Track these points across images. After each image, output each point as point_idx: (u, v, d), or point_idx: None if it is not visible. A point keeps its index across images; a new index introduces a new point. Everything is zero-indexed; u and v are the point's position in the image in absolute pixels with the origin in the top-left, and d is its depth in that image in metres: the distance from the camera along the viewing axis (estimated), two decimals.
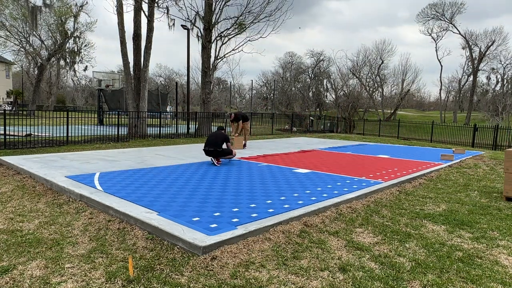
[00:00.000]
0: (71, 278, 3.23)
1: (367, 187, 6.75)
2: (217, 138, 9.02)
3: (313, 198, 5.71)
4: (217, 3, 18.76)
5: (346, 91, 49.44)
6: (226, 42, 20.03)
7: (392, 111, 54.33)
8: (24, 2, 29.55)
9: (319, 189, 6.42)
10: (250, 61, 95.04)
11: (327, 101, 54.89)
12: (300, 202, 5.46)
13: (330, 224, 4.79)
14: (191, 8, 27.87)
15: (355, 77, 50.99)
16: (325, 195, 5.97)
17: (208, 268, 3.41)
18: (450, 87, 64.35)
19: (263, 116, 26.07)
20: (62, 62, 39.78)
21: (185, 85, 49.83)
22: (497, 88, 55.84)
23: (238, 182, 6.81)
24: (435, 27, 56.17)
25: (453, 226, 4.94)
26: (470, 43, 52.44)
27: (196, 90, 55.80)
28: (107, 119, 22.93)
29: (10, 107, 36.28)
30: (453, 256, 3.90)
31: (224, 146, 9.15)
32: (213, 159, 8.93)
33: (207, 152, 9.00)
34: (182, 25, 20.32)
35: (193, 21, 19.29)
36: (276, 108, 52.30)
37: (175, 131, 17.80)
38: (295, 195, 5.91)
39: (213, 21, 18.80)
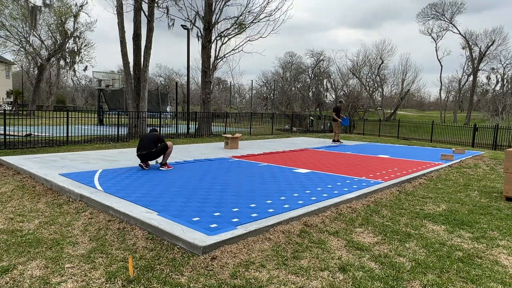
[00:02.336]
0: (71, 278, 3.23)
1: (367, 187, 6.75)
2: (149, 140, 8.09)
3: (313, 198, 5.70)
4: (217, 3, 18.77)
5: (346, 91, 49.48)
6: (226, 42, 20.05)
7: (392, 111, 54.35)
8: (24, 2, 29.55)
9: (319, 189, 6.42)
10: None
11: (327, 101, 54.90)
12: (300, 202, 5.46)
13: (330, 224, 4.79)
14: (191, 8, 27.89)
15: (355, 77, 51.02)
16: (325, 195, 5.97)
17: (208, 268, 3.41)
18: (450, 87, 64.46)
19: (263, 116, 26.07)
20: (62, 62, 39.76)
21: (185, 85, 49.83)
22: (497, 88, 55.91)
23: (238, 182, 6.81)
24: (435, 27, 56.25)
25: (453, 226, 4.94)
26: (470, 43, 52.48)
27: (196, 90, 55.81)
28: (107, 119, 22.93)
29: (10, 107, 36.30)
30: (453, 256, 3.90)
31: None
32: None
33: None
34: (182, 25, 20.32)
35: (193, 21, 19.30)
36: (276, 108, 52.30)
37: (175, 131, 17.80)
38: (295, 195, 5.91)
39: (213, 21, 18.80)
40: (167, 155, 8.14)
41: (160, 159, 8.30)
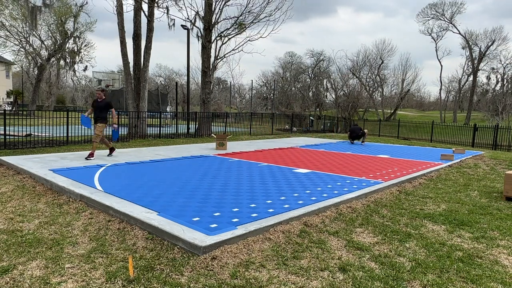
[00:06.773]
0: (71, 278, 3.23)
1: (367, 187, 6.75)
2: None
3: (313, 198, 5.71)
4: (217, 3, 18.77)
5: (346, 91, 49.48)
6: (226, 42, 20.04)
7: (392, 111, 54.34)
8: (24, 2, 29.52)
9: (319, 189, 6.42)
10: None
11: (327, 101, 54.88)
12: (300, 202, 5.46)
13: (330, 224, 4.79)
14: (191, 8, 27.97)
15: (355, 77, 50.99)
16: (325, 195, 5.97)
17: (208, 268, 3.41)
18: (450, 87, 64.45)
19: (263, 116, 26.07)
20: (62, 62, 39.71)
21: (185, 85, 49.82)
22: (497, 88, 55.88)
23: (238, 182, 6.81)
24: (435, 27, 56.20)
25: (453, 226, 4.94)
26: (470, 43, 52.46)
27: (196, 90, 55.80)
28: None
29: (10, 107, 36.31)
30: (453, 256, 3.90)
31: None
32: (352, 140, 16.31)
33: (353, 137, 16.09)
34: (182, 25, 20.31)
35: (193, 21, 19.29)
36: (276, 108, 52.30)
37: (175, 131, 17.80)
38: (295, 195, 5.91)
39: (213, 21, 18.80)
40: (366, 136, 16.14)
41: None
